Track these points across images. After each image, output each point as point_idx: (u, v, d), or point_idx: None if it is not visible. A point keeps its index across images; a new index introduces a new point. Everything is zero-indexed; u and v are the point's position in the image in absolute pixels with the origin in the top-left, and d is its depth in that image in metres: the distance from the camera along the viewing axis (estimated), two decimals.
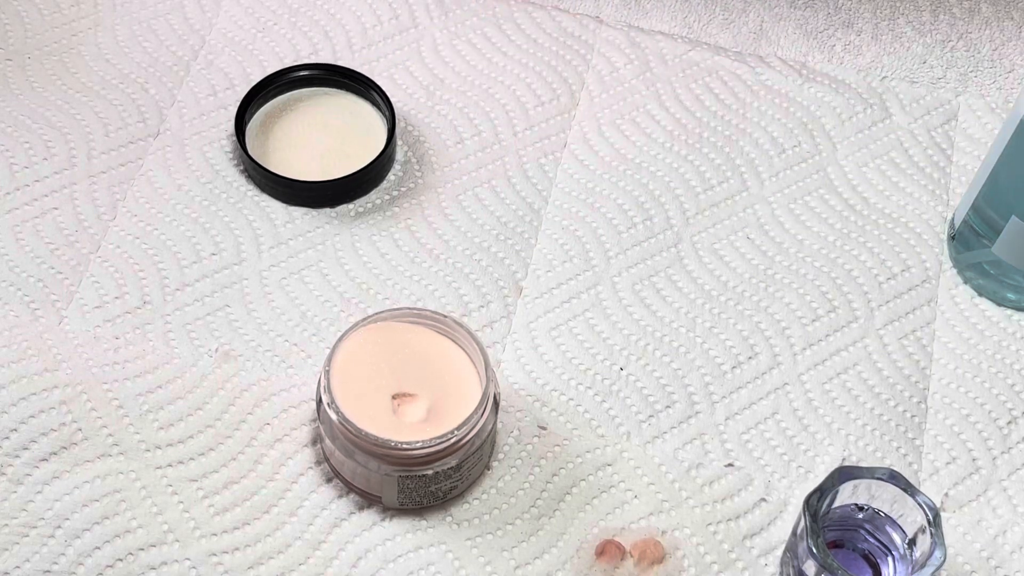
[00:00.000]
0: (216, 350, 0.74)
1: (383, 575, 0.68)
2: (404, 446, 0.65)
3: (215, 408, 0.72)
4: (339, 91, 0.84)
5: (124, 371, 0.73)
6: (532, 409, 0.73)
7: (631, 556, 0.69)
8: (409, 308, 0.70)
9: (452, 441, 0.66)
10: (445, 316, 0.69)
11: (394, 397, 0.67)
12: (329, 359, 0.68)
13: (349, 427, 0.66)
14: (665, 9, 0.90)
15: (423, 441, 0.65)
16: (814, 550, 0.62)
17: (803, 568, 0.64)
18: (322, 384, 0.67)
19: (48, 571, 0.67)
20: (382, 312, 0.70)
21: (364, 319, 0.69)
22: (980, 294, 0.78)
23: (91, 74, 0.85)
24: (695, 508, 0.70)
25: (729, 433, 0.73)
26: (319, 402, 0.68)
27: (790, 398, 0.74)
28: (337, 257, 0.78)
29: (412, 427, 0.67)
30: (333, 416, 0.66)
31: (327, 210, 0.80)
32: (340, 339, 0.68)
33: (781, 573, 0.68)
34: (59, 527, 0.68)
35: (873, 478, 0.64)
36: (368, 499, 0.70)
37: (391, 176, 0.82)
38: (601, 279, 0.78)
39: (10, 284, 0.76)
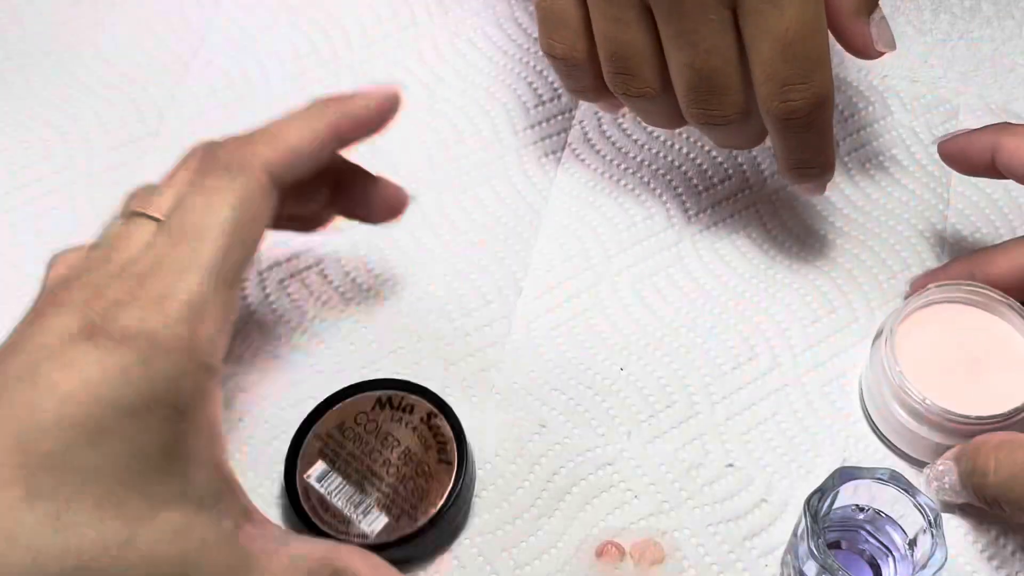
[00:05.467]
0: None
1: None
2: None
3: None
4: None
5: None
6: (532, 408, 0.73)
7: (631, 556, 0.69)
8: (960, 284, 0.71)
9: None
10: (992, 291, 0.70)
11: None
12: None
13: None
14: None
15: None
16: (815, 551, 0.62)
17: (804, 569, 0.64)
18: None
19: None
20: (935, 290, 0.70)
21: (919, 298, 0.70)
22: None
23: (91, 74, 0.85)
24: (695, 508, 0.70)
25: (729, 433, 0.73)
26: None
27: (791, 399, 0.74)
28: (337, 257, 0.78)
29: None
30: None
31: None
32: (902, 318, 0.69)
33: (782, 574, 0.68)
34: None
35: (874, 479, 0.64)
36: None
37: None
38: (601, 278, 0.78)
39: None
